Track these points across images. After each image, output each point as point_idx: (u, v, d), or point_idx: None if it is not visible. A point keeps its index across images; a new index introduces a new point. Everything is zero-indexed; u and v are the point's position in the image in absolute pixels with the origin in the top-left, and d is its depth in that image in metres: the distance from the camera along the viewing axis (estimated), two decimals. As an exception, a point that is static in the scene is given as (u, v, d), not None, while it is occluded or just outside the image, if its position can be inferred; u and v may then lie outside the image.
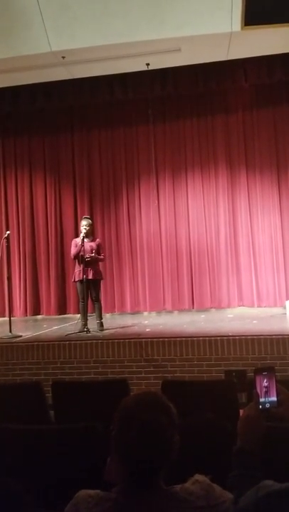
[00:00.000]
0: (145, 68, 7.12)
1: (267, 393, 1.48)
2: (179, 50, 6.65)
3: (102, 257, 6.75)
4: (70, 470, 1.93)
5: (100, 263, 6.91)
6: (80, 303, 6.65)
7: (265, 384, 1.49)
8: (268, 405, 1.48)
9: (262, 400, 1.48)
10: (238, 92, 8.28)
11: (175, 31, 6.22)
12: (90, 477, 1.70)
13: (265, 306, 8.14)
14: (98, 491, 1.32)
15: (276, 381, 1.50)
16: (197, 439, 1.96)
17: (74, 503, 1.32)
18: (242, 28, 5.97)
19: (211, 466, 1.49)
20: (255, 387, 1.50)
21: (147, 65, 7.06)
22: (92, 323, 6.53)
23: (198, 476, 1.32)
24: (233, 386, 3.24)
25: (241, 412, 1.56)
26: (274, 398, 1.48)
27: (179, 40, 6.36)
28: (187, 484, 1.30)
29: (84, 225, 6.70)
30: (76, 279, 6.61)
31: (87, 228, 6.66)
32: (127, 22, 6.22)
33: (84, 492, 1.32)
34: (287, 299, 7.84)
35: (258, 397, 1.48)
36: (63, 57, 6.70)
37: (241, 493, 1.28)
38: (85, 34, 6.34)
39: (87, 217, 7.02)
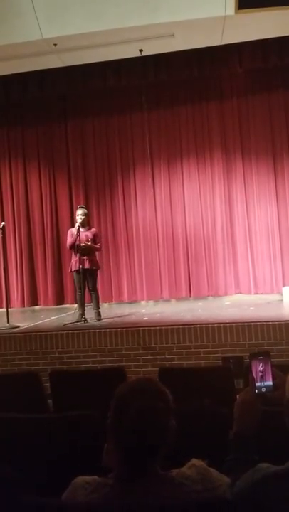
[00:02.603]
0: (138, 54, 7.03)
1: (263, 377, 1.49)
2: (173, 35, 6.57)
3: (98, 246, 6.73)
4: (68, 457, 1.94)
5: (97, 253, 6.89)
6: (78, 293, 6.64)
7: (261, 368, 1.49)
8: (263, 389, 1.49)
9: (258, 384, 1.49)
10: (232, 77, 8.20)
11: (168, 16, 6.14)
12: (87, 464, 1.70)
13: (261, 293, 8.15)
14: (95, 477, 1.32)
15: (272, 365, 1.51)
16: (194, 424, 1.97)
17: (71, 490, 1.32)
18: (236, 12, 5.90)
19: (208, 450, 1.50)
20: (251, 372, 1.50)
21: (140, 51, 6.97)
22: (90, 313, 6.53)
23: (194, 461, 1.33)
24: (230, 372, 3.26)
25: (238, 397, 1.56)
26: (270, 382, 1.49)
27: (172, 25, 6.27)
28: (184, 469, 1.30)
29: (79, 214, 6.67)
30: (73, 269, 6.59)
31: (83, 217, 6.62)
32: (119, 7, 6.14)
33: (81, 478, 1.33)
34: (283, 286, 7.86)
35: (253, 381, 1.49)
36: (55, 45, 6.60)
37: (238, 476, 1.28)
38: (76, 20, 6.25)
39: (82, 207, 6.99)
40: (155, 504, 1.19)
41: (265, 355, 1.52)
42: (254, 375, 1.49)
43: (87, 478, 1.32)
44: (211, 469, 1.32)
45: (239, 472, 1.29)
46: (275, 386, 1.48)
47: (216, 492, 1.25)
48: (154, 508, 1.19)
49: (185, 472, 1.28)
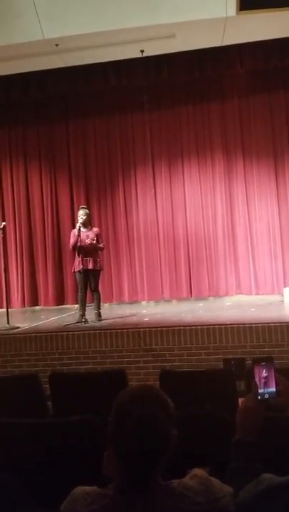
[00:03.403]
0: (140, 55, 7.02)
1: (266, 384, 1.46)
2: (174, 36, 6.56)
3: (101, 246, 6.70)
4: (67, 463, 1.92)
5: (100, 253, 6.86)
6: (79, 293, 6.62)
7: (264, 374, 1.47)
8: (266, 396, 1.46)
9: (261, 390, 1.46)
10: (233, 78, 8.19)
11: (170, 17, 6.12)
12: (88, 471, 1.68)
13: (263, 294, 8.13)
14: (95, 488, 1.29)
15: (275, 371, 1.48)
16: (196, 430, 1.95)
17: (70, 501, 1.29)
18: (237, 13, 5.88)
19: (209, 457, 1.48)
20: (254, 378, 1.47)
21: (142, 51, 6.95)
22: (90, 314, 6.51)
23: (196, 470, 1.30)
24: (232, 375, 3.23)
25: (240, 400, 1.54)
26: (273, 389, 1.46)
27: (173, 25, 6.26)
28: (185, 479, 1.27)
29: (81, 214, 6.65)
30: (76, 270, 6.57)
31: (84, 218, 6.61)
32: (120, 8, 6.12)
33: (80, 489, 1.30)
34: (284, 287, 7.84)
35: (256, 387, 1.46)
36: (56, 45, 6.59)
37: (241, 485, 1.26)
38: (78, 21, 6.24)
39: (84, 207, 6.97)
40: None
41: (268, 360, 1.49)
42: (257, 381, 1.46)
43: (87, 488, 1.29)
44: (213, 479, 1.29)
45: (242, 481, 1.26)
46: (278, 392, 1.46)
47: (218, 504, 1.22)
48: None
49: (187, 483, 1.25)
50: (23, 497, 1.30)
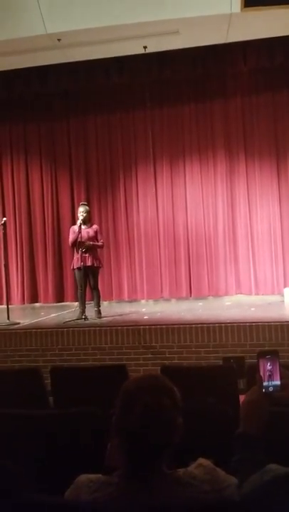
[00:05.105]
0: (142, 51, 7.00)
1: (270, 377, 1.46)
2: (177, 32, 6.53)
3: (100, 243, 6.70)
4: (69, 455, 1.91)
5: (100, 250, 6.85)
6: (79, 290, 6.61)
7: (269, 368, 1.46)
8: (271, 389, 1.46)
9: (265, 383, 1.46)
10: (237, 76, 8.15)
11: (173, 13, 6.10)
12: (89, 462, 1.67)
13: (262, 294, 8.11)
14: (99, 476, 1.28)
15: (280, 365, 1.48)
16: (198, 423, 1.94)
17: (74, 488, 1.28)
18: (242, 10, 5.86)
19: (211, 450, 1.47)
20: (259, 371, 1.47)
21: (145, 48, 6.93)
22: (90, 311, 6.50)
23: (201, 460, 1.29)
24: (234, 371, 3.22)
25: (241, 397, 1.53)
26: (277, 382, 1.46)
27: (177, 22, 6.24)
28: (191, 468, 1.26)
29: (81, 211, 6.64)
30: (75, 267, 6.56)
31: (85, 215, 6.60)
32: (124, 3, 6.11)
33: (85, 477, 1.29)
34: (284, 287, 7.83)
35: (261, 380, 1.46)
36: (59, 40, 6.57)
37: (245, 477, 1.25)
38: (81, 16, 6.22)
39: (84, 204, 6.96)
40: (161, 504, 1.16)
41: (273, 354, 1.49)
42: (262, 374, 1.46)
43: (91, 476, 1.28)
44: (219, 469, 1.28)
45: (246, 473, 1.26)
46: (282, 386, 1.46)
47: (223, 493, 1.22)
48: (159, 508, 1.16)
49: (192, 472, 1.25)
50: (24, 482, 1.29)
